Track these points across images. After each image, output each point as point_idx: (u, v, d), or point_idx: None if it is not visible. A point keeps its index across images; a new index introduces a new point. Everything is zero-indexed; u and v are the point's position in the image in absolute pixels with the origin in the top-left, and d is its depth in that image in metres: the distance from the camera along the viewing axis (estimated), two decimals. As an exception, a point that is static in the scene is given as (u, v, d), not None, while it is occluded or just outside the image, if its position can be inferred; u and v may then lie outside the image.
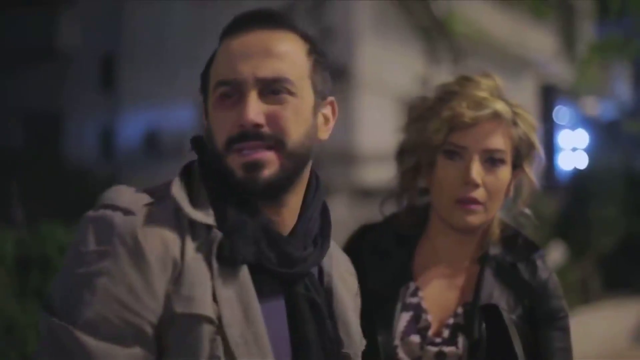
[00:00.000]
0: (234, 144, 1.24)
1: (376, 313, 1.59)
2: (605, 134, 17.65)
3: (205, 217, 1.23)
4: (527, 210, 1.75)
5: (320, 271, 1.36)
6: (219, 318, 1.18)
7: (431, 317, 1.65)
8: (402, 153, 1.73)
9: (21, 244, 3.90)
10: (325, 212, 1.38)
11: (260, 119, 1.23)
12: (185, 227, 1.21)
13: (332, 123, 1.36)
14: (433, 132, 1.63)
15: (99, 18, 15.58)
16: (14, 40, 15.66)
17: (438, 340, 1.63)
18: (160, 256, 1.18)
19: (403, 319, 1.64)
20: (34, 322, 4.25)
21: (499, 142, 1.63)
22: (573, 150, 17.87)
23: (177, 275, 1.18)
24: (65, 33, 16.20)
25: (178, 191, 1.23)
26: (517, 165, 1.68)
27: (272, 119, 1.24)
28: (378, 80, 12.60)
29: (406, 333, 1.63)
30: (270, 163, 1.24)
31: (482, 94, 1.64)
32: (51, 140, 15.08)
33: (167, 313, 1.17)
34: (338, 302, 1.35)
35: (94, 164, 13.26)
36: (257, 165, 1.23)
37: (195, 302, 1.18)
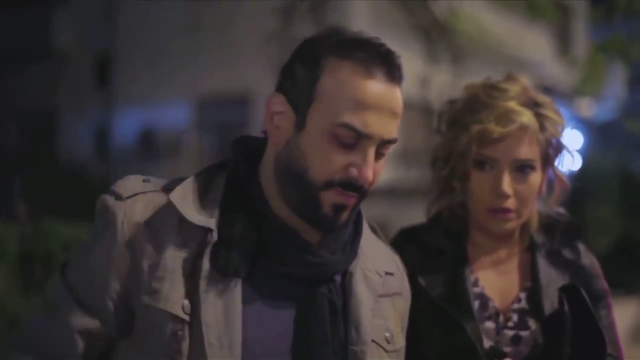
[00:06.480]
0: (334, 185, 1.29)
1: (453, 308, 1.61)
2: (601, 135, 17.67)
3: (206, 220, 1.29)
4: (561, 209, 1.80)
5: (345, 271, 1.39)
6: (196, 316, 1.24)
7: (496, 304, 1.71)
8: (436, 160, 1.77)
9: (24, 241, 3.96)
10: (358, 221, 1.42)
11: (370, 177, 1.29)
12: (175, 222, 1.28)
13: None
14: (464, 146, 1.68)
15: (94, 16, 15.53)
16: (8, 39, 15.61)
17: (510, 324, 1.69)
18: (133, 240, 1.27)
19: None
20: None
21: (527, 151, 1.67)
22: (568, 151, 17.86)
23: (150, 265, 1.26)
24: (60, 32, 16.15)
25: (178, 195, 1.29)
26: (547, 165, 1.72)
27: (374, 173, 1.30)
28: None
29: (480, 320, 1.68)
30: (352, 207, 1.32)
31: (510, 104, 1.67)
32: (46, 139, 15.02)
33: (134, 297, 1.27)
34: (354, 300, 1.36)
35: (88, 163, 13.23)
36: (344, 208, 1.30)
37: (161, 296, 1.25)
